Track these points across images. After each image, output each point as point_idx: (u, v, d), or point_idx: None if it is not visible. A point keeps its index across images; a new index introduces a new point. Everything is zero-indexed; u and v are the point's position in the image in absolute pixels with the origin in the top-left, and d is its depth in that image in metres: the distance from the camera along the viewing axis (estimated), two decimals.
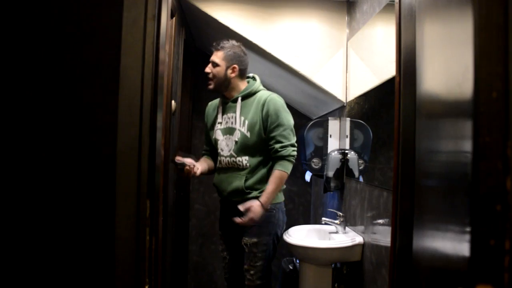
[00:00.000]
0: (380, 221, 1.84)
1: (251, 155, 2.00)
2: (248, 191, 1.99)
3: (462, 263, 0.74)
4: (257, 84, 2.09)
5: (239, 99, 2.04)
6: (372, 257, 1.94)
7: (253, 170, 2.00)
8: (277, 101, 2.01)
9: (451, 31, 0.88)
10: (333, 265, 2.21)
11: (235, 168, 2.02)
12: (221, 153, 2.05)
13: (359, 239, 2.09)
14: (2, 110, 0.71)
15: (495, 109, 0.67)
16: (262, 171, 2.02)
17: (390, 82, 1.69)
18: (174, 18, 2.12)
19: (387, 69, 1.76)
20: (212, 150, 2.19)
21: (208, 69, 2.04)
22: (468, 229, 0.71)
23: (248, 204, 1.92)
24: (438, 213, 0.96)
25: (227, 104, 2.09)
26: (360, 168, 2.26)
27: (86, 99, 0.74)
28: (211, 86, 2.05)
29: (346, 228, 2.30)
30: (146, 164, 0.86)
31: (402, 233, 1.23)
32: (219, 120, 2.10)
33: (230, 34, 2.57)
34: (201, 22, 2.76)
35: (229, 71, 2.02)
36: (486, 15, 0.68)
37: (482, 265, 0.66)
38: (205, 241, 3.48)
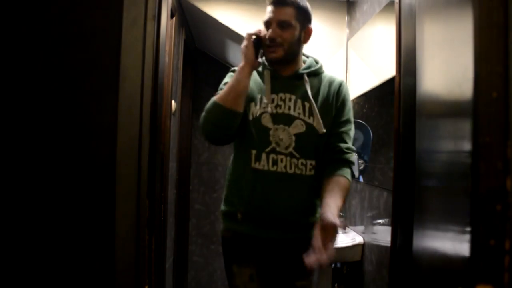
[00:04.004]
0: (380, 221, 1.84)
1: (316, 157, 1.35)
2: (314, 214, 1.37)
3: (462, 263, 0.75)
4: (320, 62, 1.46)
5: (305, 76, 1.37)
6: (372, 257, 1.94)
7: (317, 180, 1.35)
8: (348, 90, 1.44)
9: (451, 31, 0.88)
10: (333, 265, 2.20)
11: (295, 175, 1.32)
12: (277, 148, 1.31)
13: (359, 239, 2.09)
14: (2, 110, 0.71)
15: (495, 109, 0.67)
16: (321, 183, 1.34)
17: (390, 82, 1.68)
18: (174, 18, 2.11)
19: (387, 69, 1.76)
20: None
21: (274, 33, 1.31)
22: (468, 229, 0.71)
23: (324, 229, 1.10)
24: (438, 213, 0.96)
25: (280, 79, 1.38)
26: (360, 168, 2.26)
27: (85, 99, 0.74)
28: (277, 55, 1.33)
29: (346, 228, 2.30)
30: (146, 164, 0.86)
31: (402, 233, 1.24)
32: (264, 100, 1.35)
33: (230, 34, 2.57)
34: (201, 22, 2.76)
35: (303, 34, 1.37)
36: (486, 15, 0.68)
37: (482, 265, 0.66)
38: (205, 241, 3.48)
